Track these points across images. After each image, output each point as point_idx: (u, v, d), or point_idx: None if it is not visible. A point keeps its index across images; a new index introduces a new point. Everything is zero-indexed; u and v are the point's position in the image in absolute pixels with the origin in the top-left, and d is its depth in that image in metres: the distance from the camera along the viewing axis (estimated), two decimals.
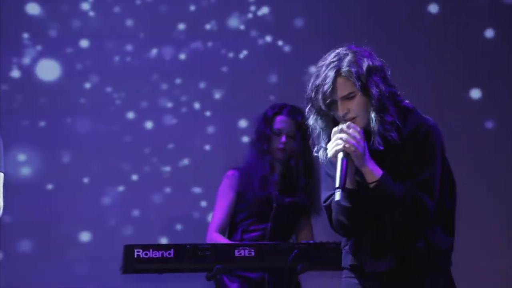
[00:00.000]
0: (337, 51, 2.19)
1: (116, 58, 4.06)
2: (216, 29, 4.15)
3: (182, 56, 4.12)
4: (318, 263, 3.00)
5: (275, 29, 4.20)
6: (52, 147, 3.98)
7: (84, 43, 4.05)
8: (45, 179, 3.97)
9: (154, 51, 4.10)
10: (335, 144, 2.11)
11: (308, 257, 2.99)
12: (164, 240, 3.94)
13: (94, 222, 3.97)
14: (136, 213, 4.01)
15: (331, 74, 2.14)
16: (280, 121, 3.30)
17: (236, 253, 2.98)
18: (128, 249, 2.95)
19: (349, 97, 2.15)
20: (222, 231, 3.28)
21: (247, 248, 3.00)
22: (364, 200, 2.15)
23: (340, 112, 2.15)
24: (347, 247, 2.23)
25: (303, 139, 3.24)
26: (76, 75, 4.03)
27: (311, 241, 3.16)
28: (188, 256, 2.96)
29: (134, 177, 4.02)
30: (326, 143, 2.18)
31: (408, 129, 2.17)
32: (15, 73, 3.99)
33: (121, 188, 4.01)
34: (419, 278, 2.18)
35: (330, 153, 2.13)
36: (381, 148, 2.15)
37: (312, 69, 2.26)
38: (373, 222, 2.17)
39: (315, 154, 2.25)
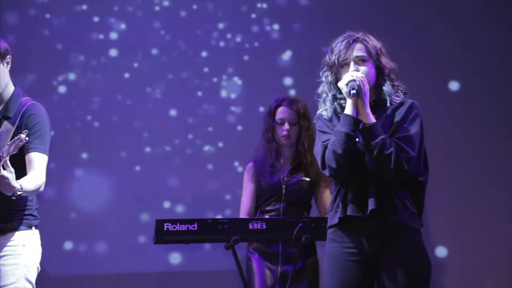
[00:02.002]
0: (354, 32, 2.60)
1: (147, 61, 4.50)
2: (231, 25, 4.54)
3: (204, 53, 4.55)
4: (319, 235, 3.27)
5: (284, 14, 4.55)
6: (106, 143, 4.40)
7: (111, 53, 4.49)
8: (104, 171, 4.37)
9: (179, 50, 4.51)
10: (349, 76, 2.47)
11: (311, 229, 3.32)
12: (218, 215, 4.28)
13: (151, 205, 4.34)
14: (186, 191, 4.39)
15: (349, 39, 2.55)
16: (281, 112, 3.69)
17: (250, 226, 3.33)
18: (159, 223, 3.31)
19: (361, 60, 2.53)
20: (250, 215, 3.69)
21: (259, 222, 3.35)
22: (356, 135, 2.44)
23: (351, 68, 2.51)
24: (334, 206, 2.52)
25: (303, 124, 3.65)
26: (115, 79, 4.48)
27: (320, 215, 3.56)
28: (209, 228, 3.31)
29: (179, 161, 4.41)
30: (331, 103, 2.56)
31: (396, 102, 2.55)
32: (62, 88, 4.44)
33: (170, 172, 4.39)
34: (393, 232, 2.45)
35: (343, 82, 2.47)
36: (397, 102, 2.53)
37: (324, 48, 2.64)
38: (357, 172, 2.45)
39: (316, 119, 2.60)
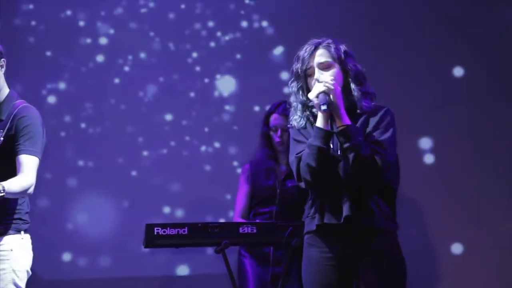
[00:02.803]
0: (319, 38, 2.59)
1: (137, 64, 4.49)
2: (221, 23, 4.52)
3: (195, 54, 4.52)
4: None
5: (272, 9, 4.53)
6: (101, 149, 4.41)
7: (100, 58, 4.49)
8: (101, 178, 4.37)
9: (169, 52, 4.49)
10: (317, 88, 2.47)
11: (301, 233, 3.10)
12: (221, 218, 4.27)
13: (151, 210, 4.31)
14: (185, 195, 4.37)
15: (312, 46, 2.55)
16: (274, 119, 3.75)
17: (241, 230, 3.33)
18: (149, 227, 3.32)
19: (325, 66, 2.51)
20: (244, 216, 3.74)
21: (250, 226, 3.35)
22: (329, 148, 2.46)
23: (316, 74, 2.50)
24: (311, 212, 2.55)
25: None
26: (106, 84, 4.47)
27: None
28: (199, 233, 3.31)
29: (176, 163, 4.40)
30: (301, 112, 2.56)
31: (369, 108, 2.54)
32: (52, 96, 4.44)
33: (168, 176, 4.38)
34: (370, 236, 2.48)
35: (313, 94, 2.47)
36: (366, 109, 2.51)
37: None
38: (332, 180, 2.47)
39: (289, 125, 2.62)
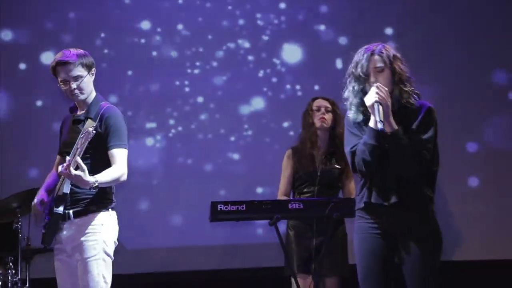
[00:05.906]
0: (372, 44, 3.04)
1: (202, 66, 5.09)
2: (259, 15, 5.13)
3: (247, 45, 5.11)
4: (348, 213, 3.73)
5: None
6: (193, 145, 4.99)
7: (169, 68, 5.04)
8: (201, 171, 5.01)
9: (229, 50, 5.10)
10: (373, 96, 2.89)
11: (341, 208, 3.86)
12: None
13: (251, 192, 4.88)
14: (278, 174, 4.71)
15: (369, 53, 2.99)
16: (317, 102, 4.31)
17: (290, 206, 3.88)
18: (214, 204, 3.85)
19: (379, 70, 2.96)
20: (286, 195, 4.27)
21: (297, 202, 3.90)
22: (382, 145, 2.88)
23: (372, 79, 2.94)
24: (362, 192, 2.99)
25: (337, 113, 4.25)
26: (180, 89, 5.04)
27: (344, 197, 4.12)
28: (255, 208, 3.84)
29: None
30: (356, 108, 3.00)
31: (414, 106, 2.99)
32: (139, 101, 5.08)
33: (261, 158, 4.96)
34: (412, 214, 2.91)
35: (369, 102, 2.89)
36: (410, 106, 2.92)
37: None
38: (381, 168, 2.90)
39: (346, 117, 3.06)
